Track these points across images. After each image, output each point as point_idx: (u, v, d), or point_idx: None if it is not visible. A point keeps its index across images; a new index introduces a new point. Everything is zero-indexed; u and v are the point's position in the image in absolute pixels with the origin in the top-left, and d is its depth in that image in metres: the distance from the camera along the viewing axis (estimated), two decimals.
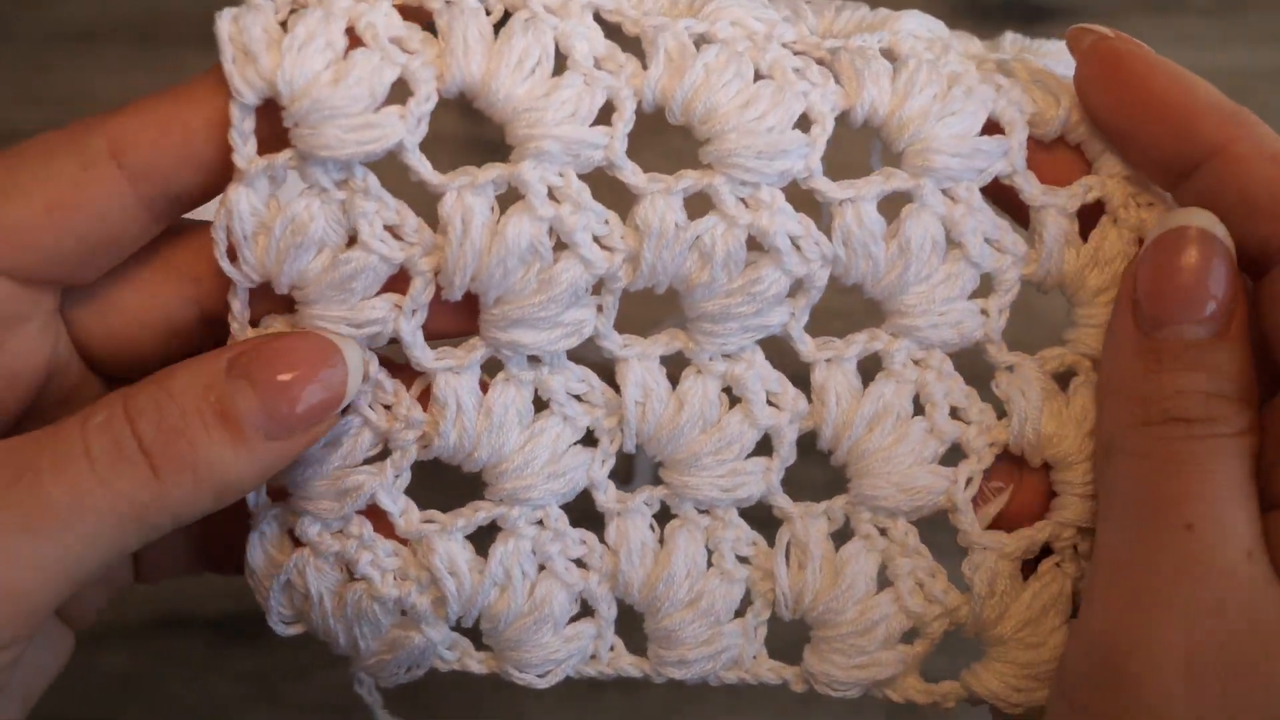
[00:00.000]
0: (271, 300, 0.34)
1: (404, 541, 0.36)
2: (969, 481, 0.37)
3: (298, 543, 0.36)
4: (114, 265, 0.34)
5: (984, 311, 0.36)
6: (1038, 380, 0.36)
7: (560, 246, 0.34)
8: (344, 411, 0.34)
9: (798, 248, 0.35)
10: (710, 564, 0.37)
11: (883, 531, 0.37)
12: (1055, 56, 0.37)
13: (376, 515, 0.36)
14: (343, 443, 0.35)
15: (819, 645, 0.37)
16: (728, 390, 0.37)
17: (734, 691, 0.57)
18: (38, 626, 0.31)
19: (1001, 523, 0.37)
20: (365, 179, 0.33)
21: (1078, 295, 0.36)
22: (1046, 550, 0.37)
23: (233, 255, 0.33)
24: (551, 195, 0.33)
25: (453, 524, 0.36)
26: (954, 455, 0.37)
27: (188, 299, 0.35)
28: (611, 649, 0.38)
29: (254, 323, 0.35)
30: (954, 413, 0.37)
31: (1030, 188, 0.36)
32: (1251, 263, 0.34)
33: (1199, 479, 0.32)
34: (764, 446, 0.37)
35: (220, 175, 0.33)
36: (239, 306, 0.34)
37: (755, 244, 0.35)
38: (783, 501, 0.37)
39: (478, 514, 0.36)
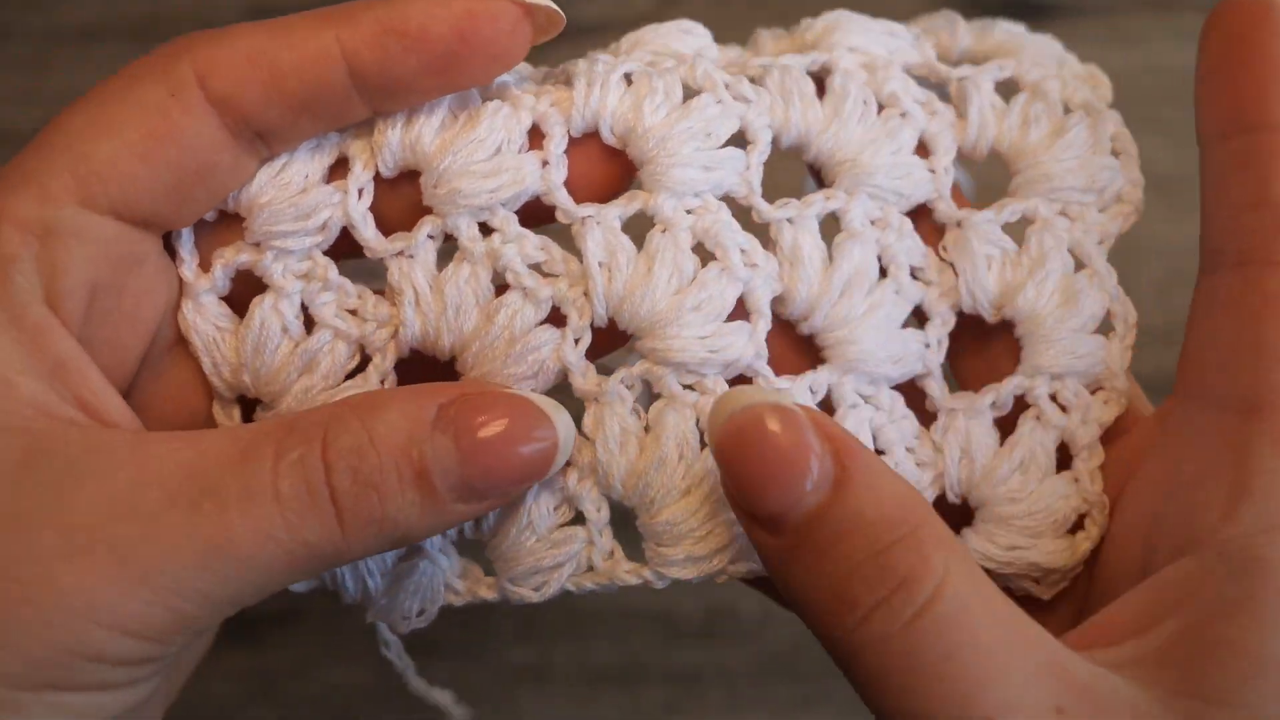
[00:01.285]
0: (219, 237, 0.35)
1: None
2: (939, 344, 0.36)
3: None
4: (212, 205, 0.34)
5: (930, 170, 0.36)
6: (982, 236, 0.36)
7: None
8: (309, 329, 0.34)
9: (729, 88, 0.35)
10: (704, 444, 0.34)
11: (866, 399, 0.35)
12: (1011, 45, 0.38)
13: None
14: (320, 363, 0.34)
15: None
16: (697, 252, 0.35)
17: (734, 690, 0.57)
18: (193, 640, 0.31)
19: (972, 385, 0.37)
20: None
21: (1016, 148, 0.37)
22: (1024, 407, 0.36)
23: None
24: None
25: None
26: (912, 318, 0.36)
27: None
28: (611, 555, 0.35)
29: (205, 265, 0.35)
30: (913, 274, 0.36)
31: (945, 70, 0.37)
32: (1246, 252, 0.33)
33: None
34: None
35: (306, 116, 0.32)
36: (188, 248, 0.34)
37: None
38: (767, 371, 0.35)
39: None
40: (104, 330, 0.33)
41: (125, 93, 0.31)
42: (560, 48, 0.36)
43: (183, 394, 0.35)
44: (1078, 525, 0.36)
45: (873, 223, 0.35)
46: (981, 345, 0.37)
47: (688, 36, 0.37)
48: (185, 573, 0.29)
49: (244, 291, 0.35)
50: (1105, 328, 0.37)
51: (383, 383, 0.34)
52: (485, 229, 0.34)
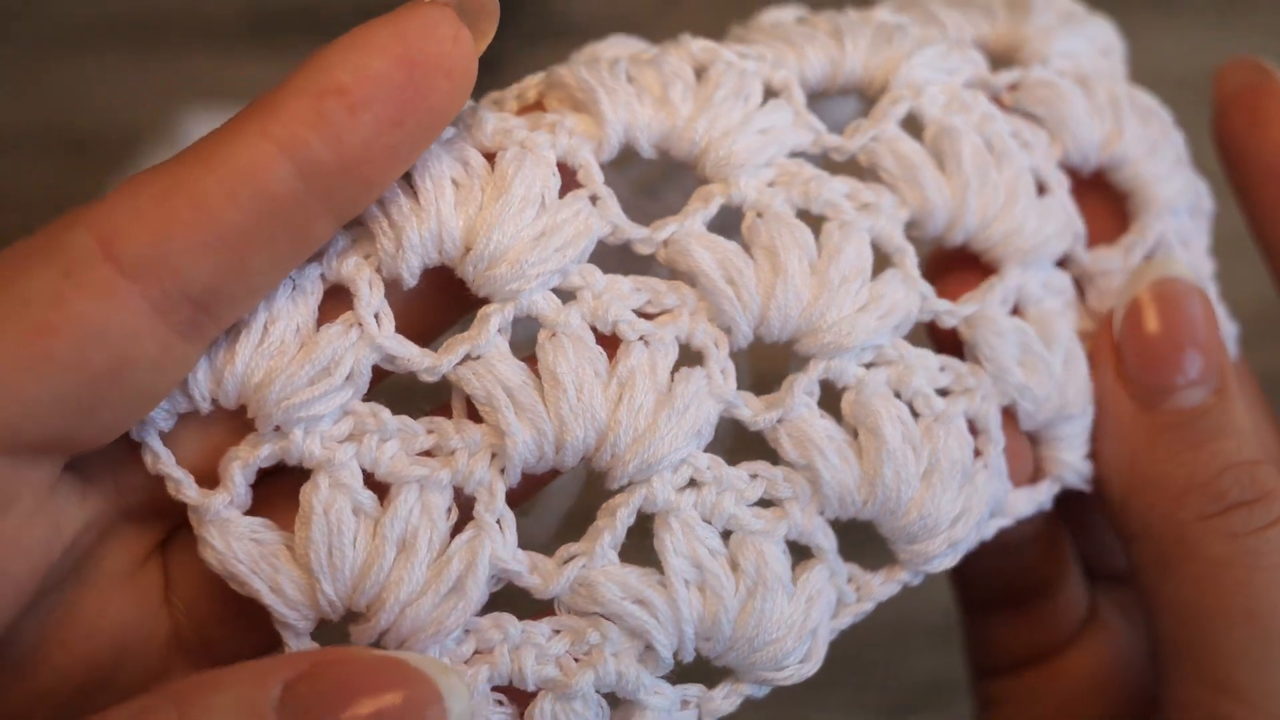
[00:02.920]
0: (191, 438, 0.27)
1: (552, 610, 0.28)
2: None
3: None
4: (136, 415, 0.25)
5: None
6: (1059, 82, 0.32)
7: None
8: (384, 501, 0.27)
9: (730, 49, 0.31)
10: (918, 415, 0.29)
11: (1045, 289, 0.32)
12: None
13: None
14: (419, 535, 0.26)
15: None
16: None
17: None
18: None
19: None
20: None
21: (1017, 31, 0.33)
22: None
23: None
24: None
25: (595, 547, 0.27)
26: None
27: None
28: (850, 581, 0.30)
29: (203, 478, 0.27)
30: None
31: None
32: None
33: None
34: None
35: (257, 251, 0.25)
36: (171, 463, 0.27)
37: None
38: (944, 305, 0.30)
39: (618, 513, 0.28)
40: None
41: (5, 281, 0.23)
42: (560, 47, 0.34)
43: (95, 629, 0.27)
44: None
45: (947, 103, 0.31)
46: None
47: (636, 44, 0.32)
48: None
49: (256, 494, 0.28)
50: None
51: (499, 525, 0.27)
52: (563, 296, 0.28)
